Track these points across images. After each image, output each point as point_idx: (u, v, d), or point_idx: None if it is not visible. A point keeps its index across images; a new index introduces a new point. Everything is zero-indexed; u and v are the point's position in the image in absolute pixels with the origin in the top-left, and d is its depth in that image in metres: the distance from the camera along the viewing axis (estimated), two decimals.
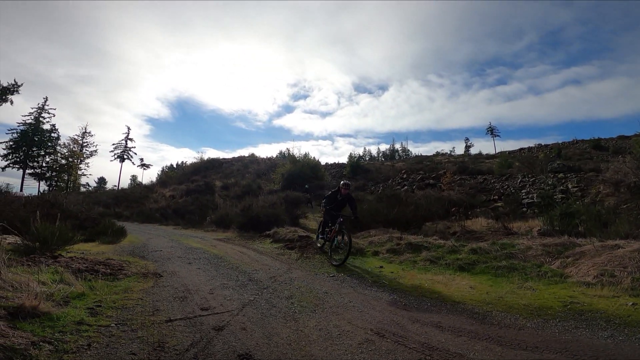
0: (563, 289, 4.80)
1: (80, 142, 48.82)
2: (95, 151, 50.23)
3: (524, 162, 22.34)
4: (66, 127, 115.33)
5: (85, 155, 49.00)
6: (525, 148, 36.33)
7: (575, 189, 15.42)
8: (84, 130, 49.69)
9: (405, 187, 22.41)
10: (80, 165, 48.51)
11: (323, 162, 35.79)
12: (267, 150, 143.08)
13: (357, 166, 30.52)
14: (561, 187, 16.04)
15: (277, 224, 12.21)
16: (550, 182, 16.97)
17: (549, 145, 34.61)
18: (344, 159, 46.56)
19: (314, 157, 29.68)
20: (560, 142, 36.14)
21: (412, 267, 6.74)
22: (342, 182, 8.28)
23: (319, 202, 19.39)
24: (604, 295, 4.39)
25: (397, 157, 51.25)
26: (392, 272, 6.37)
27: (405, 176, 25.31)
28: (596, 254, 5.66)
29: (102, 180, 59.96)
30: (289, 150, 36.46)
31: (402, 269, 6.66)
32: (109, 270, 5.37)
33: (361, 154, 54.88)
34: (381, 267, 6.86)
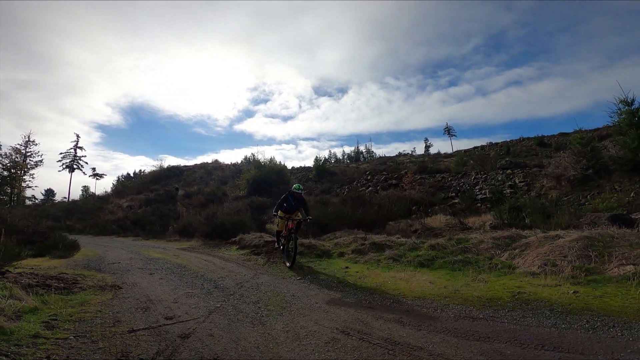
0: (512, 280, 5.18)
1: (23, 151, 45.07)
2: (41, 161, 46.53)
3: (476, 160, 23.69)
4: (6, 136, 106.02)
5: (29, 166, 45.34)
6: (478, 146, 38.50)
7: (522, 184, 16.64)
8: (27, 139, 45.83)
9: (370, 188, 22.95)
10: (24, 177, 44.84)
11: (289, 167, 35.74)
12: (229, 156, 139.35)
13: (322, 169, 30.71)
14: (509, 183, 17.25)
15: (243, 230, 12.11)
16: (499, 178, 18.19)
17: (500, 143, 36.92)
18: (309, 162, 46.82)
19: (279, 162, 29.55)
20: (509, 140, 38.67)
21: (376, 266, 6.98)
22: (294, 185, 8.20)
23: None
24: (548, 284, 4.74)
25: (361, 159, 52.22)
26: (357, 272, 6.57)
27: (369, 177, 25.91)
28: (539, 245, 6.15)
29: (50, 192, 55.60)
30: (254, 156, 36.01)
31: (367, 268, 6.87)
32: (62, 285, 5.14)
33: (327, 156, 55.36)
34: (347, 267, 7.04)
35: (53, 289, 4.80)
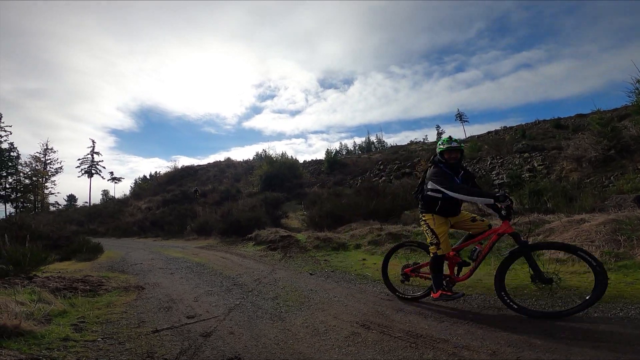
0: None
1: (43, 159, 46.54)
2: (61, 168, 48.04)
3: (491, 145, 23.17)
4: (24, 145, 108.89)
5: (50, 173, 46.82)
6: (492, 131, 37.54)
7: (541, 167, 16.19)
8: (45, 147, 47.32)
9: (383, 178, 22.76)
10: (46, 184, 46.33)
11: (300, 160, 35.75)
12: (241, 154, 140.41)
13: (334, 161, 30.62)
14: (528, 166, 16.80)
15: (258, 226, 12.19)
16: (517, 162, 17.73)
17: (514, 127, 35.89)
18: (319, 155, 46.66)
19: (291, 156, 29.64)
20: (523, 123, 37.48)
21: (393, 257, 6.87)
22: (442, 140, 4.00)
23: (300, 201, 19.17)
24: (576, 271, 4.56)
25: (373, 149, 51.81)
26: (374, 264, 6.51)
27: (382, 167, 25.68)
28: (564, 230, 5.94)
29: (71, 198, 57.31)
30: (265, 152, 36.23)
31: None
32: (88, 287, 5.27)
33: (338, 148, 55.10)
34: (364, 259, 7.00)
35: (79, 292, 4.92)
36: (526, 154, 18.60)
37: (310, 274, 6.17)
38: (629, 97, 14.07)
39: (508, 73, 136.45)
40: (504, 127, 38.14)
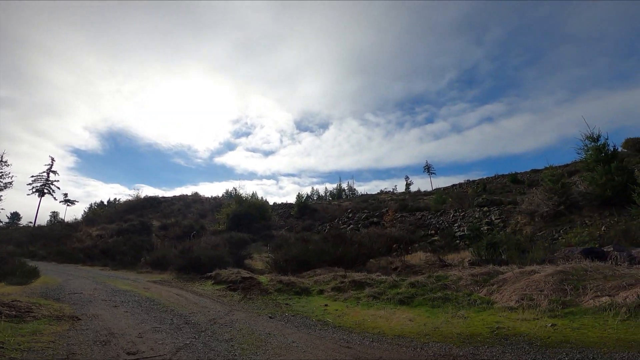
0: (490, 315, 5.17)
1: None
2: (10, 183, 44.48)
3: (455, 198, 24.25)
4: None
5: None
6: (457, 184, 39.49)
7: (497, 220, 17.04)
8: None
9: (351, 226, 22.90)
10: None
11: (270, 202, 35.36)
12: (209, 189, 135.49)
13: (304, 206, 30.51)
14: (486, 220, 17.64)
15: (220, 265, 11.70)
16: (477, 216, 18.59)
17: (476, 180, 38.01)
18: (290, 199, 46.50)
19: (261, 197, 29.31)
20: (485, 177, 39.80)
21: (356, 303, 6.81)
22: None
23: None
24: (526, 318, 4.77)
25: (343, 196, 52.38)
26: (336, 310, 6.38)
27: (350, 215, 25.92)
28: (516, 280, 6.25)
29: (15, 216, 52.70)
30: (235, 190, 35.63)
31: (347, 306, 6.70)
32: (14, 312, 4.84)
33: (309, 193, 55.22)
34: (326, 305, 6.84)
35: (3, 316, 4.54)
36: (485, 208, 19.60)
37: (270, 317, 5.91)
38: (578, 153, 14.93)
39: (472, 126, 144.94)
40: (467, 180, 40.27)
